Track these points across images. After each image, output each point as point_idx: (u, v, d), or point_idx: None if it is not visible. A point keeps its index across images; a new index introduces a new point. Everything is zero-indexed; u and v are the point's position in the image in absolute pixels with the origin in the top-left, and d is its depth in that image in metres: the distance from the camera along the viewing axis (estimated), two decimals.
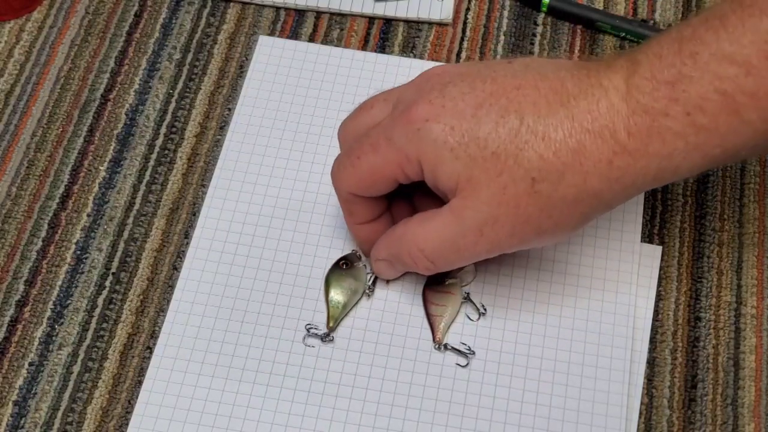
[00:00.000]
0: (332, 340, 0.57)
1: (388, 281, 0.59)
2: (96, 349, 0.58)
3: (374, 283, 0.59)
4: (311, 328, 0.58)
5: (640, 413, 0.57)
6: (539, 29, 0.69)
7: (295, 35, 0.69)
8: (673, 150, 0.50)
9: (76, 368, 0.58)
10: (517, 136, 0.50)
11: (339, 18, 0.70)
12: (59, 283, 0.60)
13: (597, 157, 0.50)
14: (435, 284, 0.59)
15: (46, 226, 0.62)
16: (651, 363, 0.58)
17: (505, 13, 0.70)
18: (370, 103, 0.56)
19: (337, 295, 0.58)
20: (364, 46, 0.69)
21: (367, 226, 0.58)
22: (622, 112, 0.50)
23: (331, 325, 0.58)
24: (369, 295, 0.59)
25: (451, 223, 0.52)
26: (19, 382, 0.57)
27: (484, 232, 0.52)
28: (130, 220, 0.62)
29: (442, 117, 0.51)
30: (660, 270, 0.61)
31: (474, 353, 0.57)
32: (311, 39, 0.69)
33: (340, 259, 0.60)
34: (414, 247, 0.54)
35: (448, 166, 0.51)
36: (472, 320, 0.59)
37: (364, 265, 0.59)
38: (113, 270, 0.60)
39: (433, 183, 0.53)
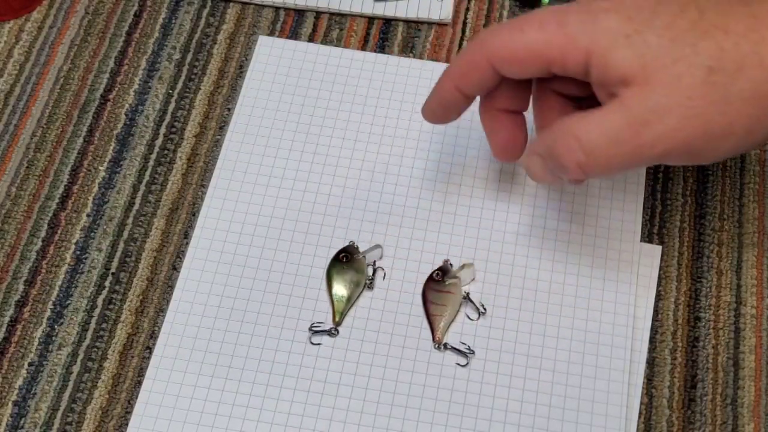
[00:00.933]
0: (338, 334, 0.57)
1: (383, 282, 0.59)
2: (96, 349, 0.58)
3: (374, 274, 0.59)
4: (316, 326, 0.58)
5: (640, 413, 0.57)
6: None
7: (294, 35, 0.69)
8: None
9: (75, 368, 0.58)
10: (697, 26, 0.49)
11: (339, 18, 0.70)
12: (59, 283, 0.60)
13: None
14: (435, 284, 0.59)
15: (45, 227, 0.62)
16: (651, 363, 0.58)
17: (505, 13, 0.70)
18: (542, 19, 0.52)
19: (340, 289, 0.58)
20: (363, 46, 0.69)
21: (458, 95, 0.54)
22: None
23: (337, 319, 0.58)
24: (370, 287, 0.59)
25: (617, 111, 0.50)
26: (19, 382, 0.57)
27: (650, 122, 0.49)
28: (130, 220, 0.62)
29: (621, 8, 0.50)
30: (660, 270, 0.61)
31: (474, 353, 0.57)
32: (311, 39, 0.69)
33: (340, 251, 0.60)
34: (570, 136, 0.51)
35: (621, 53, 0.49)
36: (472, 320, 0.59)
37: (363, 257, 0.59)
38: (113, 270, 0.60)
39: (602, 72, 0.50)
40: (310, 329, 0.58)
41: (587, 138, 0.50)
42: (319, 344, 0.57)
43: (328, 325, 0.58)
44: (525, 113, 0.57)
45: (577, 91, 0.55)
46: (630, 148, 0.50)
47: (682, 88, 0.49)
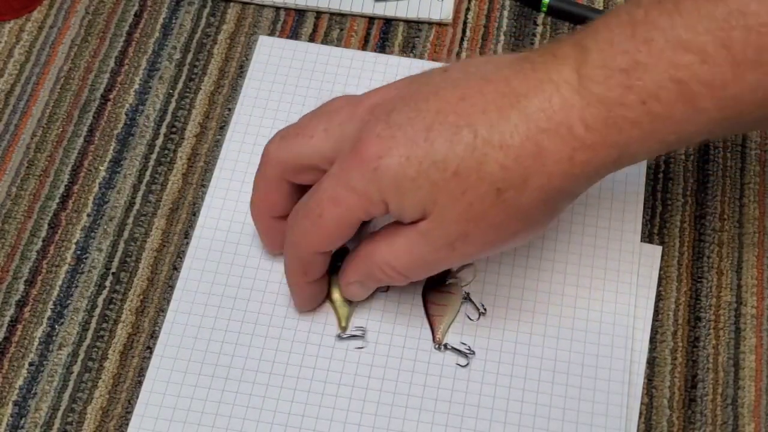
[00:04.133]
0: (347, 336, 0.58)
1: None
2: (96, 349, 0.58)
3: None
4: (354, 332, 0.58)
5: (640, 413, 0.57)
6: (539, 29, 0.69)
7: (295, 35, 0.69)
8: (629, 138, 0.49)
9: (76, 368, 0.58)
10: (475, 151, 0.49)
11: (339, 18, 0.70)
12: (59, 283, 0.60)
13: (557, 156, 0.49)
14: (435, 284, 0.59)
15: (46, 226, 0.62)
16: (651, 363, 0.58)
17: (505, 13, 0.70)
18: (307, 131, 0.54)
19: (341, 294, 0.58)
20: (364, 46, 0.69)
21: (314, 285, 0.57)
22: (577, 105, 0.49)
23: (343, 324, 0.58)
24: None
25: (420, 242, 0.52)
26: (19, 382, 0.57)
27: (455, 247, 0.51)
28: (130, 220, 0.62)
29: (395, 149, 0.50)
30: (660, 270, 0.61)
31: (474, 353, 0.57)
32: (311, 39, 0.69)
33: (336, 256, 0.59)
34: (385, 265, 0.53)
35: (412, 197, 0.50)
36: (472, 320, 0.59)
37: None
38: (113, 270, 0.60)
39: (399, 215, 0.52)
40: (337, 336, 0.58)
41: (401, 264, 0.53)
42: (361, 348, 0.58)
43: (335, 332, 0.58)
44: None
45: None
46: (443, 265, 0.54)
47: (477, 213, 0.50)
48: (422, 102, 0.51)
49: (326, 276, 0.57)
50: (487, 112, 0.49)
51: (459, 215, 0.50)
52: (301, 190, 0.55)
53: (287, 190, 0.56)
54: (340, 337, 0.58)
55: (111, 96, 0.66)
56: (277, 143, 0.55)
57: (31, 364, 0.58)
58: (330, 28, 0.69)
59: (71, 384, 0.57)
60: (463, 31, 0.69)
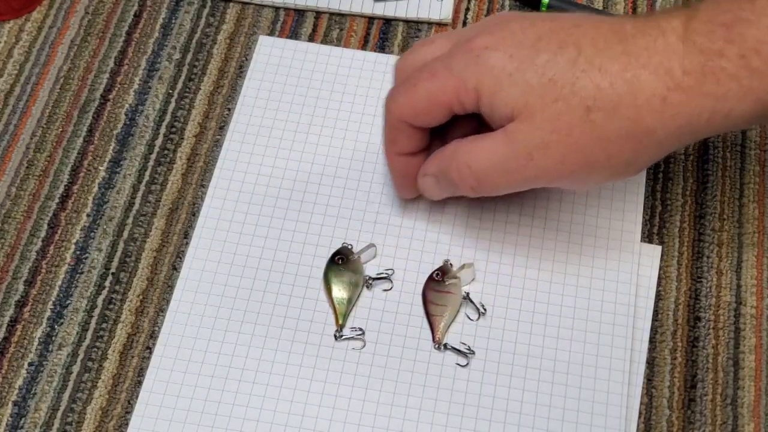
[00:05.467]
0: (343, 337, 0.58)
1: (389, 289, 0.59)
2: (95, 349, 0.58)
3: (373, 280, 0.59)
4: (340, 333, 0.58)
5: (640, 413, 0.57)
6: None
7: (294, 35, 0.69)
8: (727, 91, 0.51)
9: (75, 368, 0.58)
10: (575, 65, 0.52)
11: (338, 18, 0.70)
12: (59, 283, 0.60)
13: (651, 92, 0.51)
14: (435, 284, 0.59)
15: (45, 226, 0.62)
16: (651, 363, 0.58)
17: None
18: (431, 39, 0.57)
19: (340, 292, 0.58)
20: (363, 46, 0.69)
21: (405, 158, 0.58)
22: (678, 51, 0.51)
23: (341, 322, 0.58)
24: (370, 286, 0.59)
25: (502, 144, 0.53)
26: (19, 382, 0.57)
27: (534, 157, 0.53)
28: (130, 220, 0.62)
29: (501, 45, 0.53)
30: (660, 270, 0.61)
31: (474, 353, 0.57)
32: (311, 39, 0.69)
33: (335, 254, 0.60)
34: (462, 163, 0.55)
35: (505, 92, 0.52)
36: (472, 320, 0.59)
37: (359, 257, 0.59)
38: (113, 270, 0.60)
39: (490, 110, 0.53)
40: (337, 338, 0.58)
41: (477, 166, 0.54)
42: (361, 348, 0.58)
43: (332, 330, 0.58)
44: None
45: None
46: (516, 177, 0.54)
47: (563, 125, 0.52)
48: (539, 20, 0.54)
49: (420, 158, 0.58)
50: (596, 40, 0.52)
51: (546, 122, 0.52)
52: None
53: (412, 132, 0.57)
54: (335, 338, 0.58)
55: (110, 96, 0.66)
56: (403, 55, 0.58)
57: (30, 365, 0.58)
58: (330, 28, 0.69)
59: (71, 384, 0.57)
60: None
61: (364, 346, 0.58)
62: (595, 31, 0.53)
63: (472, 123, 0.57)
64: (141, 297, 0.60)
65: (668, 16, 0.52)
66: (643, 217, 0.62)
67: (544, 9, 0.69)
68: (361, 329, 0.58)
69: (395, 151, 0.58)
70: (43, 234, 0.61)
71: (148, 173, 0.64)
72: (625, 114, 0.51)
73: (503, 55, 0.53)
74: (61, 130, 0.65)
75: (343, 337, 0.58)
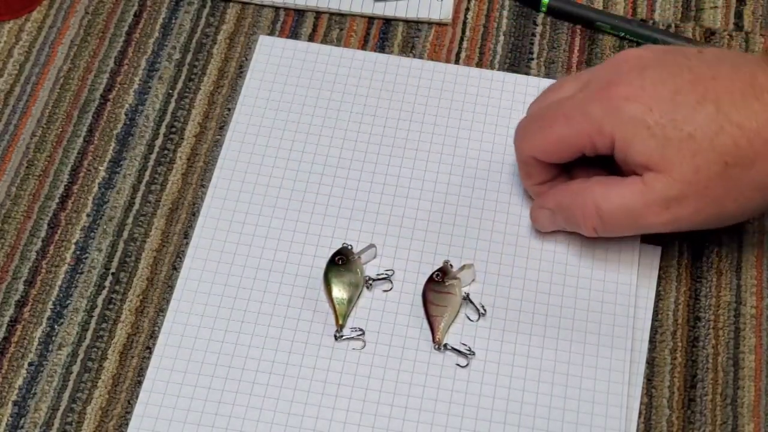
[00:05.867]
0: (343, 337, 0.58)
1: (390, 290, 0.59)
2: (95, 349, 0.58)
3: (373, 281, 0.59)
4: (339, 333, 0.58)
5: (640, 413, 0.57)
6: (539, 29, 0.69)
7: (294, 35, 0.69)
8: None
9: (75, 368, 0.58)
10: (714, 122, 0.53)
11: (338, 18, 0.70)
12: (59, 283, 0.60)
13: None
14: (435, 285, 0.59)
15: (45, 226, 0.62)
16: (651, 363, 0.58)
17: (505, 13, 0.70)
18: (560, 84, 0.59)
19: (340, 293, 0.58)
20: (363, 46, 0.69)
21: (544, 186, 0.60)
22: None
23: (341, 322, 0.58)
24: (370, 286, 0.59)
25: (640, 191, 0.55)
26: (19, 382, 0.57)
27: (670, 207, 0.54)
28: (130, 220, 0.62)
29: (641, 98, 0.54)
30: (659, 270, 0.61)
31: (474, 353, 0.57)
32: (311, 39, 0.69)
33: (335, 254, 0.60)
34: (591, 203, 0.56)
35: (643, 144, 0.54)
36: (472, 320, 0.59)
37: (359, 257, 0.59)
38: (113, 270, 0.60)
39: (624, 157, 0.55)
40: (334, 335, 0.58)
41: (607, 208, 0.56)
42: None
43: (332, 331, 0.58)
44: None
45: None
46: (645, 223, 0.56)
47: (701, 180, 0.53)
48: (677, 69, 0.55)
49: (561, 183, 0.59)
50: (733, 95, 0.54)
51: (683, 175, 0.53)
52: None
53: (543, 166, 0.59)
54: (336, 338, 0.58)
55: (110, 96, 0.66)
56: (534, 102, 0.60)
57: (30, 364, 0.58)
58: (329, 28, 0.69)
59: (71, 384, 0.57)
60: (463, 31, 0.69)
61: (364, 346, 0.58)
62: (731, 85, 0.54)
63: (598, 161, 0.58)
64: (141, 297, 0.60)
65: None
66: None
67: (543, 9, 0.69)
68: (361, 329, 0.58)
69: (532, 183, 0.60)
70: (43, 234, 0.61)
71: (148, 173, 0.64)
72: (761, 168, 0.53)
73: (643, 108, 0.54)
74: (61, 130, 0.65)
75: (343, 337, 0.58)
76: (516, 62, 0.68)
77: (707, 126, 0.53)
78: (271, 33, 0.69)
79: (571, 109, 0.56)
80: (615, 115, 0.54)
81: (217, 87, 0.67)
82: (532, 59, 0.68)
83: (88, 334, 0.58)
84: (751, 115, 0.53)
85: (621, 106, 0.54)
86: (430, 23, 0.69)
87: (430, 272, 0.59)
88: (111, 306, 0.59)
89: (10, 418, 0.56)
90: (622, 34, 0.69)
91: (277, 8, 0.70)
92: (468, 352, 0.57)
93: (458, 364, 0.57)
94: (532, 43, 0.69)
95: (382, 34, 0.69)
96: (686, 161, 0.53)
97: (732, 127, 0.53)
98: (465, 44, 0.69)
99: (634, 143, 0.54)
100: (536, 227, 0.61)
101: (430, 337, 0.58)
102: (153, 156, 0.64)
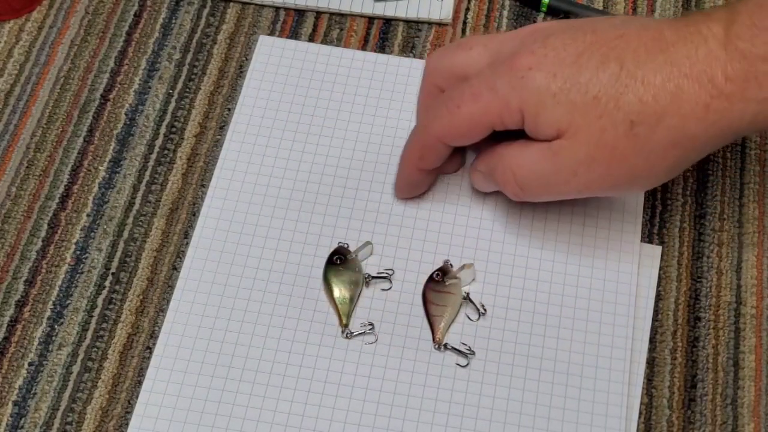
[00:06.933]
0: (354, 334, 0.58)
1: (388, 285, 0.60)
2: (96, 349, 0.58)
3: (371, 279, 0.59)
4: (347, 332, 0.58)
5: (640, 413, 0.57)
6: None
7: (294, 35, 0.69)
8: None
9: (75, 368, 0.58)
10: (617, 81, 0.52)
11: (339, 18, 0.70)
12: (59, 283, 0.60)
13: (695, 101, 0.51)
14: (435, 284, 0.59)
15: (45, 226, 0.62)
16: (651, 363, 0.58)
17: (505, 13, 0.70)
18: (469, 44, 0.58)
19: (341, 292, 0.58)
20: (363, 46, 0.69)
21: (424, 173, 0.59)
22: (721, 57, 0.51)
23: (345, 322, 0.58)
24: (368, 283, 0.59)
25: (547, 158, 0.54)
26: (19, 382, 0.57)
27: (578, 173, 0.54)
28: (130, 220, 0.62)
29: (544, 65, 0.53)
30: (660, 270, 0.61)
31: (474, 353, 0.57)
32: (311, 39, 0.69)
33: (333, 254, 0.60)
34: (507, 169, 0.56)
35: (549, 112, 0.53)
36: (472, 320, 0.59)
37: (356, 256, 0.59)
38: (113, 270, 0.60)
39: (534, 129, 0.54)
40: (345, 336, 0.58)
41: (521, 174, 0.56)
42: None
43: (336, 330, 0.58)
44: None
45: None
46: (559, 190, 0.55)
47: (607, 140, 0.52)
48: (580, 33, 0.54)
49: (435, 172, 0.60)
50: (637, 51, 0.52)
51: (590, 138, 0.53)
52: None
53: (444, 150, 0.58)
54: (346, 336, 0.58)
55: (111, 96, 0.66)
56: (437, 54, 0.59)
57: (30, 364, 0.58)
58: (330, 28, 0.69)
59: (71, 384, 0.57)
60: (463, 31, 0.69)
61: (376, 340, 0.58)
62: (636, 42, 0.53)
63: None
64: (141, 297, 0.60)
65: (708, 21, 0.52)
66: (643, 217, 0.62)
67: (544, 9, 0.69)
68: (371, 323, 0.58)
69: (419, 167, 0.59)
70: (43, 234, 0.62)
71: (148, 173, 0.64)
72: (669, 124, 0.52)
73: (546, 75, 0.53)
74: (61, 130, 0.65)
75: (354, 334, 0.58)
76: None
77: (611, 86, 0.52)
78: (271, 33, 0.69)
79: (478, 86, 0.55)
80: (520, 87, 0.53)
81: (217, 87, 0.67)
82: None
83: (88, 334, 0.59)
84: (656, 69, 0.52)
85: (525, 76, 0.53)
86: (430, 23, 0.69)
87: (430, 272, 0.59)
88: (111, 306, 0.59)
89: (10, 418, 0.56)
90: None
91: (277, 8, 0.70)
92: (468, 352, 0.57)
93: (458, 364, 0.57)
94: None
95: (382, 34, 0.69)
96: (592, 124, 0.52)
97: (636, 84, 0.52)
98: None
99: (541, 113, 0.53)
100: (478, 189, 0.61)
101: (431, 337, 0.58)
102: (153, 156, 0.64)
